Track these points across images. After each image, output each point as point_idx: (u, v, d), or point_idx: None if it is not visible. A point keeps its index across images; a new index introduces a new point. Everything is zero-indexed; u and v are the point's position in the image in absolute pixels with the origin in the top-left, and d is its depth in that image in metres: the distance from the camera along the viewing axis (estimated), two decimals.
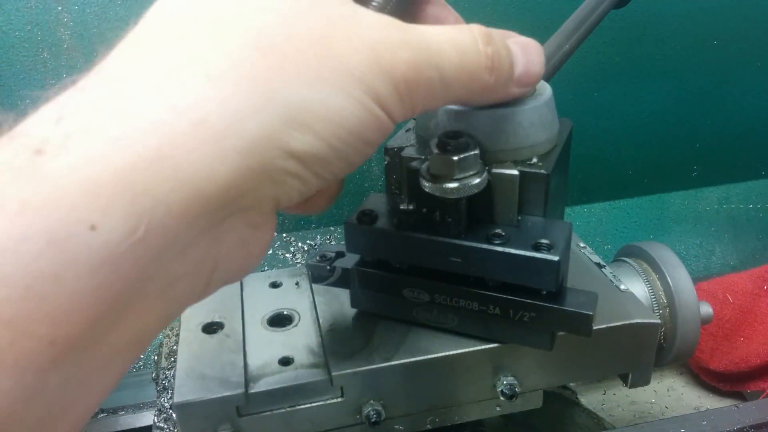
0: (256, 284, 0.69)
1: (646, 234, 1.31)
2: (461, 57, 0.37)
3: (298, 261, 0.94)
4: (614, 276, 0.64)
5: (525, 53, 0.43)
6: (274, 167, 0.31)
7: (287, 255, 0.97)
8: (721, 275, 1.07)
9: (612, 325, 0.59)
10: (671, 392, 1.01)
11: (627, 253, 0.74)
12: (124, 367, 0.30)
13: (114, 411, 0.86)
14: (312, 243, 0.98)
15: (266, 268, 0.95)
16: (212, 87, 0.29)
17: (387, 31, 0.34)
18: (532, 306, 0.54)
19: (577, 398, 0.98)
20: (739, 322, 0.94)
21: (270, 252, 0.98)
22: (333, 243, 0.97)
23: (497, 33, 0.41)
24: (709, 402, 0.99)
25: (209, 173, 0.28)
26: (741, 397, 0.99)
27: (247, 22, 0.31)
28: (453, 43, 0.37)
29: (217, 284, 0.34)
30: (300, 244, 0.99)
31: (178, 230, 0.28)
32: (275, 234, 1.03)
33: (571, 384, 0.99)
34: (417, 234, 0.55)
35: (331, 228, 1.03)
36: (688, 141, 1.26)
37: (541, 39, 0.68)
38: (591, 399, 0.99)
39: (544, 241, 0.52)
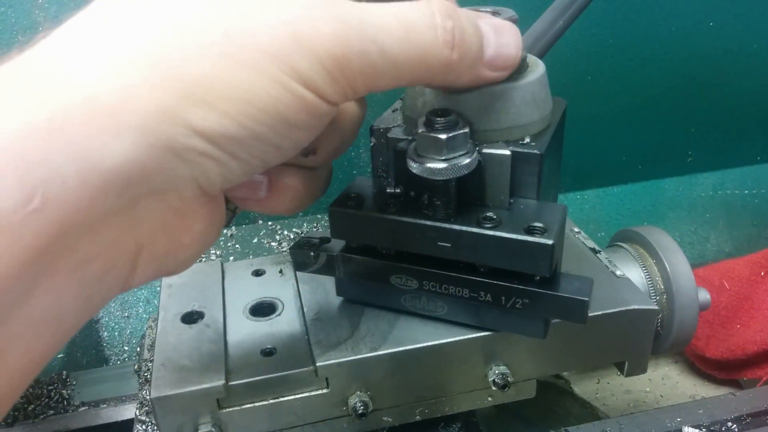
0: (239, 272, 0.67)
1: (640, 221, 1.29)
2: (408, 31, 0.35)
3: (284, 250, 0.92)
4: (610, 261, 0.62)
5: (498, 34, 0.41)
6: (179, 145, 0.30)
7: (273, 243, 0.95)
8: (717, 262, 1.06)
9: (608, 311, 0.57)
10: (666, 381, 0.99)
11: (622, 237, 0.72)
12: (46, 347, 0.30)
13: (95, 404, 0.83)
14: (298, 231, 0.96)
15: (251, 256, 0.92)
16: (109, 63, 0.29)
17: (310, 5, 0.32)
18: (524, 292, 0.51)
19: (570, 387, 0.97)
20: (735, 308, 0.93)
21: (255, 240, 0.96)
22: (319, 230, 0.94)
23: (464, 11, 0.38)
24: (704, 390, 0.97)
25: (103, 147, 0.28)
26: (737, 385, 0.97)
27: (155, 2, 0.31)
28: (398, 16, 0.34)
29: (146, 271, 0.34)
30: (286, 233, 0.97)
31: (79, 205, 0.27)
32: (261, 222, 1.00)
33: (564, 373, 0.97)
34: (404, 218, 0.53)
35: (318, 216, 1.00)
36: (682, 126, 1.24)
37: (534, 15, 0.66)
38: (584, 388, 0.97)
39: (537, 224, 0.50)
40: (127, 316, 1.13)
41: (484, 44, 0.40)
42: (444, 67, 0.38)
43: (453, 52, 0.37)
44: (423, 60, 0.36)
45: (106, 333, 1.12)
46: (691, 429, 0.74)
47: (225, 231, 0.93)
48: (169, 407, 0.52)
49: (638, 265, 0.65)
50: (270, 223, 0.98)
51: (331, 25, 0.32)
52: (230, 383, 0.52)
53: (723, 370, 0.95)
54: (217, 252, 0.89)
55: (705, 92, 1.21)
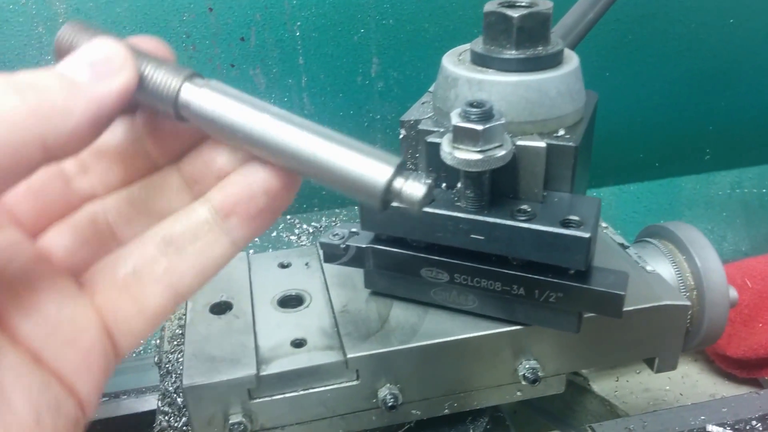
0: (265, 264, 0.67)
1: (657, 219, 1.28)
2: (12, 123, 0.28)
3: (303, 243, 0.92)
4: (639, 257, 0.62)
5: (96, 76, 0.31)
6: None
7: (292, 237, 0.94)
8: (734, 261, 1.05)
9: (640, 307, 0.56)
10: (686, 379, 0.98)
11: (650, 233, 0.71)
12: None
13: (116, 395, 0.83)
14: (317, 225, 0.95)
15: (270, 249, 0.92)
16: None
17: None
18: (559, 286, 0.51)
19: (588, 385, 0.96)
20: (757, 307, 0.92)
21: (274, 234, 0.95)
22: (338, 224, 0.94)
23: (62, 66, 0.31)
24: (725, 389, 0.97)
25: None
26: (758, 384, 0.97)
27: None
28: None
29: None
30: (305, 226, 0.96)
31: None
32: (279, 215, 1.00)
33: (583, 370, 0.96)
34: (437, 210, 0.52)
35: (336, 210, 1.00)
36: (701, 123, 1.23)
37: (565, 7, 0.65)
38: (603, 386, 0.97)
39: (573, 217, 0.50)
40: None
41: (68, 96, 0.30)
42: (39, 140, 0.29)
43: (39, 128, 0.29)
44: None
45: None
46: (715, 427, 0.73)
47: None
48: (200, 397, 0.51)
49: (668, 260, 0.65)
50: (288, 217, 0.97)
51: None
52: (261, 374, 0.52)
53: (744, 369, 0.94)
54: None
55: (723, 90, 1.20)
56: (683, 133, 1.23)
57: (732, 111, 1.22)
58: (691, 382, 0.98)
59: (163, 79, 0.32)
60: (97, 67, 0.31)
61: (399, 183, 0.32)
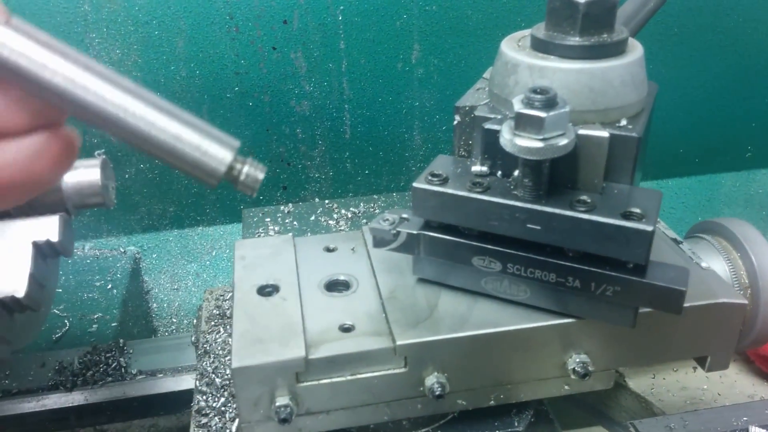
0: (310, 247, 0.66)
1: (695, 216, 1.26)
2: None
3: (342, 228, 0.91)
4: (693, 253, 0.60)
5: None
6: None
7: (330, 222, 0.94)
8: None
9: (695, 304, 0.55)
10: (724, 379, 0.97)
11: (703, 229, 0.70)
12: None
13: (152, 373, 0.84)
14: (355, 210, 0.95)
15: (308, 233, 0.92)
16: None
17: None
18: (618, 279, 0.50)
19: (624, 381, 0.95)
20: None
21: (312, 218, 0.95)
22: (376, 211, 0.93)
23: None
24: (763, 390, 0.95)
25: None
26: None
27: None
28: None
29: None
30: (343, 211, 0.96)
31: None
32: (317, 200, 1.00)
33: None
34: (493, 198, 0.52)
35: (374, 197, 0.99)
36: (743, 120, 1.21)
37: None
38: (639, 383, 0.96)
39: (634, 209, 0.49)
40: (177, 289, 1.13)
41: None
42: None
43: None
44: None
45: (155, 305, 1.13)
46: (758, 429, 0.72)
47: (282, 208, 0.93)
48: (248, 378, 0.51)
49: (722, 257, 0.63)
50: (327, 201, 0.97)
51: None
52: (310, 357, 0.52)
53: None
54: (275, 228, 0.89)
55: (767, 86, 1.17)
56: (725, 129, 1.21)
57: None
58: (729, 382, 0.97)
59: None
60: None
61: (238, 167, 0.32)
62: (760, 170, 1.26)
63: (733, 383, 0.97)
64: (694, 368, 0.95)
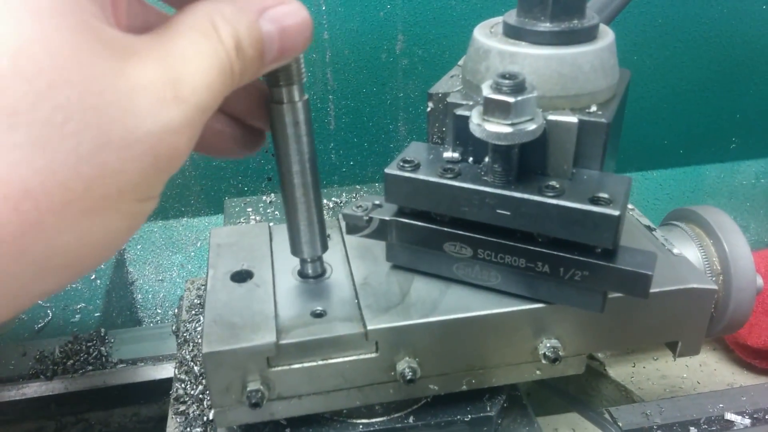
0: (286, 235, 0.66)
1: (679, 206, 1.27)
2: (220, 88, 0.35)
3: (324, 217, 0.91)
4: (666, 239, 0.61)
5: (281, 33, 0.38)
6: None
7: None
8: (757, 251, 1.03)
9: (665, 289, 0.55)
10: (703, 367, 0.98)
11: (677, 216, 0.70)
12: None
13: (133, 362, 0.84)
14: (337, 200, 0.95)
15: None
16: None
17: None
18: (585, 264, 0.50)
19: (604, 369, 0.95)
20: None
21: None
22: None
23: (245, 16, 0.36)
24: (743, 379, 0.96)
25: None
26: None
27: None
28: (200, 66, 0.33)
29: None
30: (325, 201, 0.96)
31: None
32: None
33: (599, 355, 0.96)
34: (463, 184, 0.52)
35: (357, 186, 1.00)
36: (728, 111, 1.21)
37: None
38: (619, 371, 0.96)
39: (602, 194, 0.49)
40: (161, 280, 1.14)
41: (266, 51, 0.38)
42: (231, 84, 0.36)
43: (237, 74, 0.36)
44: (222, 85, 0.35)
45: (140, 295, 1.13)
46: (733, 416, 0.73)
47: (265, 198, 0.93)
48: (219, 363, 0.51)
49: (695, 244, 0.64)
50: None
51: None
52: (281, 342, 0.52)
53: (764, 359, 0.93)
54: (257, 218, 0.89)
55: (753, 78, 1.17)
56: (710, 121, 1.21)
57: (761, 100, 1.19)
58: (708, 370, 0.97)
59: None
60: None
61: None
62: (744, 162, 1.27)
63: (713, 372, 0.97)
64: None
